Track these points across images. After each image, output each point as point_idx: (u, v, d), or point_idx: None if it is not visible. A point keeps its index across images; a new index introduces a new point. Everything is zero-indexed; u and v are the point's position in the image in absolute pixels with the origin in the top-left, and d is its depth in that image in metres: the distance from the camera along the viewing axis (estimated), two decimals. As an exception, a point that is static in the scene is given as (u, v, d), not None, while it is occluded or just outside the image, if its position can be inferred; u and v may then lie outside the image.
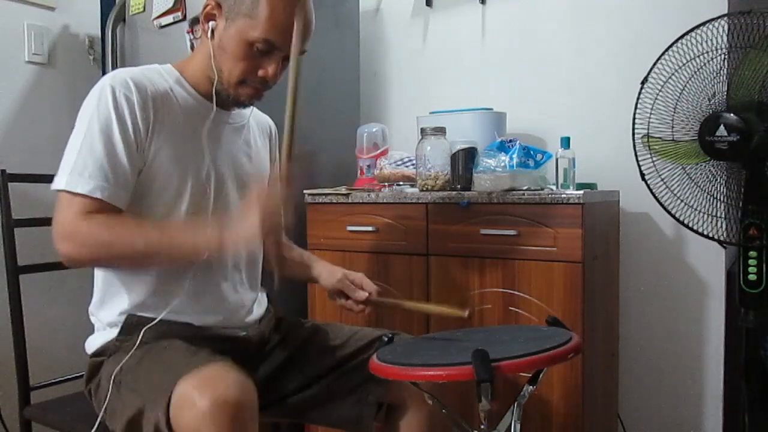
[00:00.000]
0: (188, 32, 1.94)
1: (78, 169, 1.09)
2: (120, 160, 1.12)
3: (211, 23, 1.20)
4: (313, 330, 1.39)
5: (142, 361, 1.10)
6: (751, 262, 1.39)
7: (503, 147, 1.75)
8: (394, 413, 1.30)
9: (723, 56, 1.38)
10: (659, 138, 1.47)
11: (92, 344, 1.23)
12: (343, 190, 1.98)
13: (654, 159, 1.48)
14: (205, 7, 1.20)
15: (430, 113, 2.05)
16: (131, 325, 1.17)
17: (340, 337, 1.36)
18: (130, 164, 1.13)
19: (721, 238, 1.44)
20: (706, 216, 1.45)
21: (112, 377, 1.10)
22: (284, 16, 1.14)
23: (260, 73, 1.19)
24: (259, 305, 1.36)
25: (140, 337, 1.14)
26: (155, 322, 1.17)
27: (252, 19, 1.14)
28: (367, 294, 1.37)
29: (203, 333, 1.21)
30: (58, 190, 1.10)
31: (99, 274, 1.24)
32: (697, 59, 1.41)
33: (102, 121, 1.12)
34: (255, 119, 1.40)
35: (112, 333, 1.19)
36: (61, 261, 1.10)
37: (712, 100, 1.40)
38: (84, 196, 1.09)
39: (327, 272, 1.43)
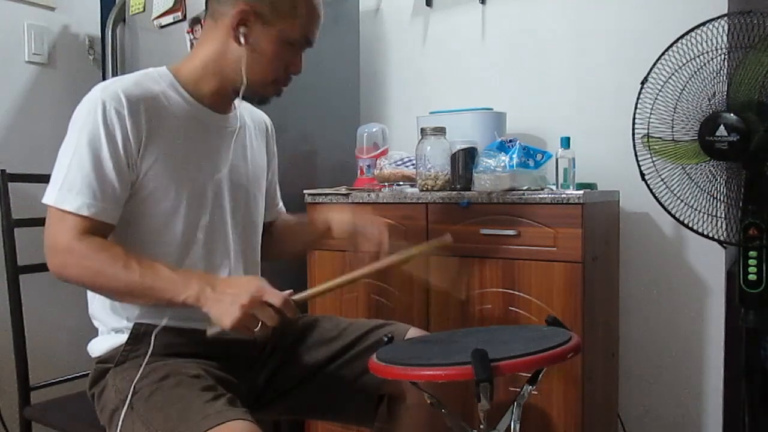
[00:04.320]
0: (188, 32, 1.94)
1: (67, 185, 1.10)
2: (108, 176, 1.11)
3: (242, 29, 1.18)
4: (309, 323, 1.40)
5: (155, 394, 1.08)
6: (751, 262, 1.39)
7: (503, 147, 1.75)
8: (395, 405, 1.30)
9: (723, 56, 1.38)
10: (659, 138, 1.47)
11: (97, 348, 1.22)
12: (343, 190, 1.98)
13: (654, 159, 1.48)
14: (237, 14, 1.17)
15: (430, 113, 2.05)
16: (139, 334, 1.17)
17: (336, 329, 1.36)
18: (119, 180, 1.12)
19: (721, 238, 1.44)
20: (706, 216, 1.45)
21: (128, 400, 1.09)
22: (317, 11, 1.23)
23: (292, 69, 1.24)
24: None
25: (150, 348, 1.14)
26: (159, 327, 1.17)
27: (294, 18, 1.19)
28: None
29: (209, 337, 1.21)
30: (48, 205, 1.12)
31: None
32: (697, 59, 1.41)
33: (91, 137, 1.11)
34: (251, 117, 1.40)
35: (119, 338, 1.18)
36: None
37: (712, 100, 1.40)
38: (72, 213, 1.09)
39: (338, 218, 1.41)
